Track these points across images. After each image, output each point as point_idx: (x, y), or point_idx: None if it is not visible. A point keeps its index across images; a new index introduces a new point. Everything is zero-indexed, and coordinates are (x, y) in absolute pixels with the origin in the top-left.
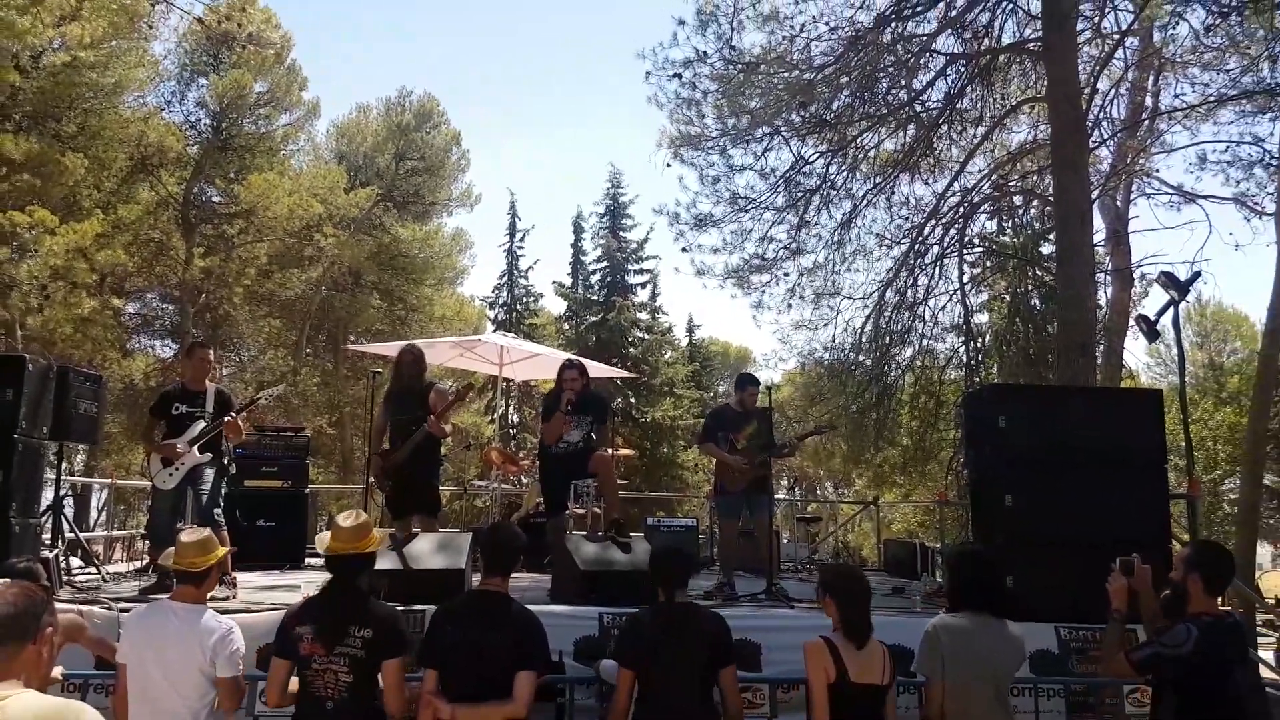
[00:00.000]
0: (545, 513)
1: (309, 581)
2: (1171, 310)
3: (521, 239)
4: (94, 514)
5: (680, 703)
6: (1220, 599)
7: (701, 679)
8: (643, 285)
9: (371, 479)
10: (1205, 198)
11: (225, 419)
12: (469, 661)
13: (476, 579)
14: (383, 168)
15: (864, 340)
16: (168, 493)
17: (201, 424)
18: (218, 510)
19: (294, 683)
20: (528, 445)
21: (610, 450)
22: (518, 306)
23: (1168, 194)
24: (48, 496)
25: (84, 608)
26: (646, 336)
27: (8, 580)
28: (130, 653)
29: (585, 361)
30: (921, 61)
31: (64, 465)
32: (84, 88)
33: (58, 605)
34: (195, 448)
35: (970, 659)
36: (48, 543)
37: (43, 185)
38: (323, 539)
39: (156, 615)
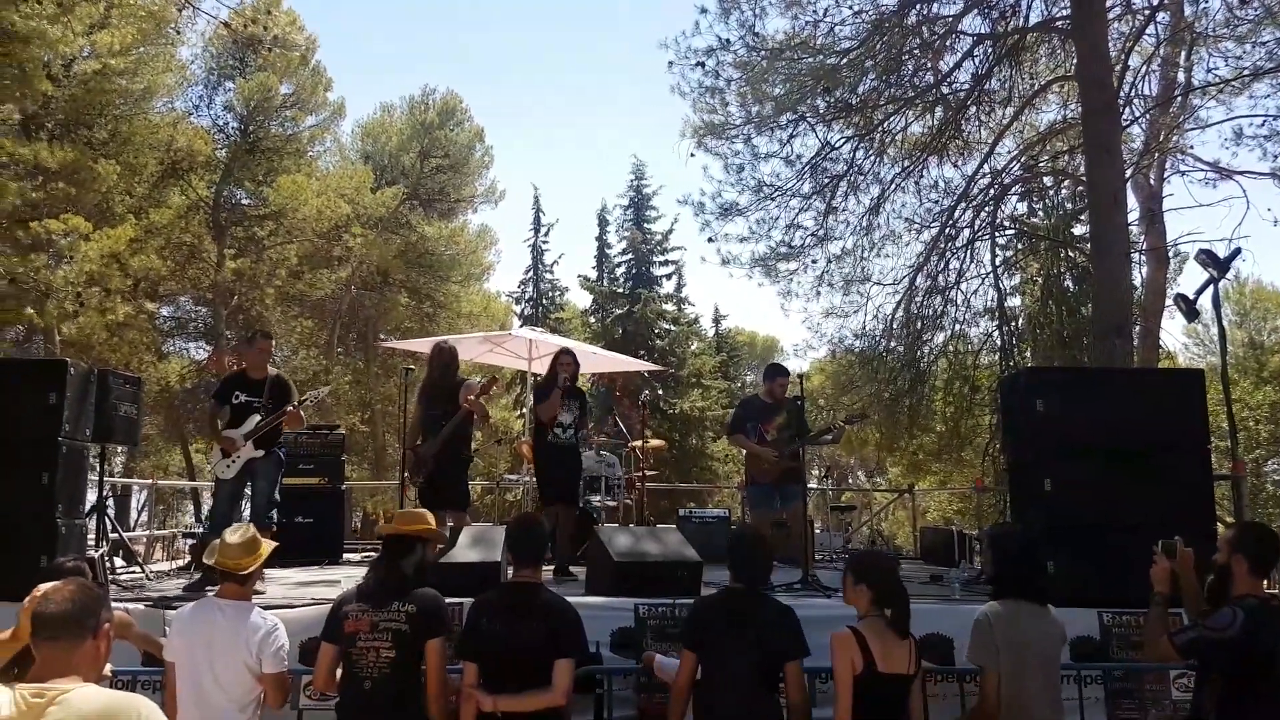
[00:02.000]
0: (541, 500)
1: (348, 577)
2: (1211, 289)
3: (546, 234)
4: (134, 514)
5: (737, 690)
6: (1265, 581)
7: (762, 669)
8: (668, 277)
9: (407, 474)
10: (1242, 173)
11: (282, 413)
12: (506, 653)
13: (511, 572)
14: (408, 166)
15: (895, 326)
16: (227, 482)
17: (257, 418)
18: (273, 512)
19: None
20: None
21: (643, 442)
22: (544, 301)
23: (1203, 171)
24: (91, 498)
25: (130, 605)
26: (673, 328)
27: (66, 579)
28: (179, 650)
29: (612, 354)
30: (948, 43)
31: (105, 467)
32: (114, 94)
33: None
34: (250, 442)
35: (1022, 646)
36: (92, 543)
37: (77, 192)
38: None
39: (204, 612)
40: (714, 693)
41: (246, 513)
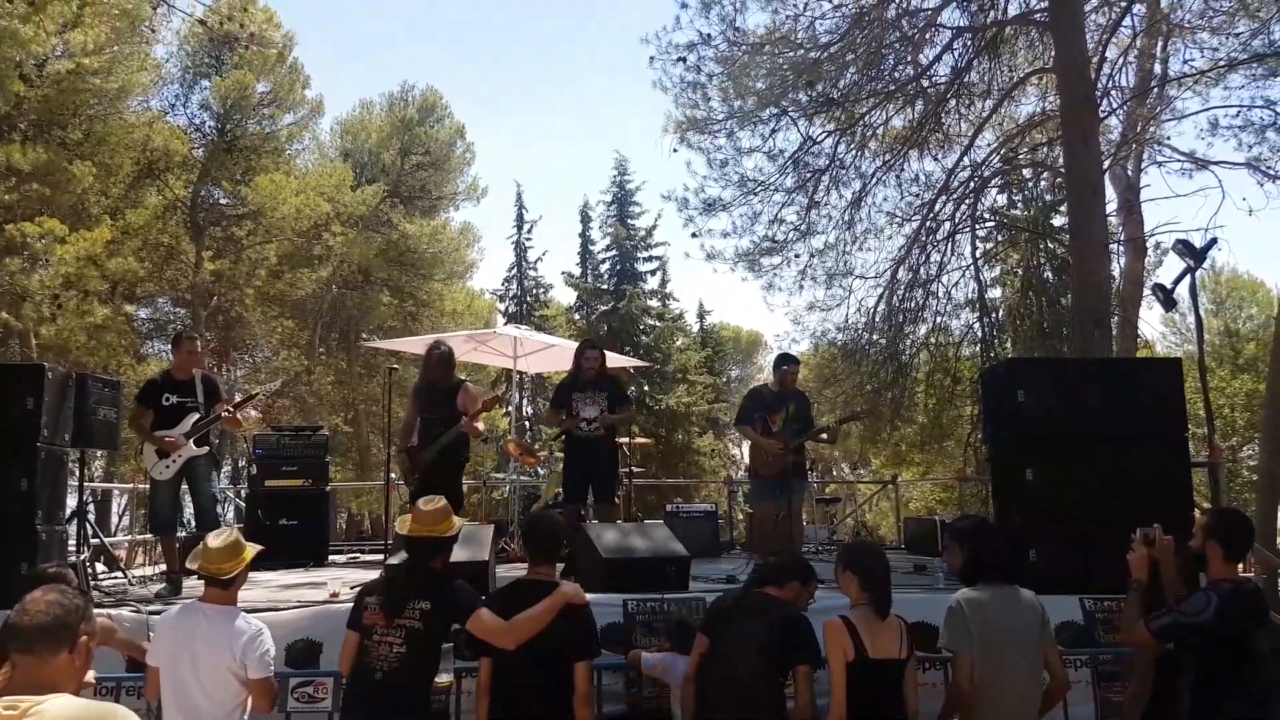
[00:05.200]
0: (562, 501)
1: (333, 579)
2: (1188, 278)
3: (529, 230)
4: (115, 519)
5: (735, 683)
6: (1241, 565)
7: (759, 669)
8: (652, 272)
9: (394, 474)
10: (1218, 164)
11: (223, 413)
12: (523, 650)
13: (500, 570)
14: (388, 164)
15: (877, 319)
16: (165, 483)
17: (195, 416)
18: (218, 508)
19: None
20: (543, 437)
21: (629, 439)
22: (528, 298)
23: (1179, 161)
24: (71, 503)
25: (113, 611)
26: (658, 324)
27: (47, 586)
28: (163, 655)
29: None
30: (927, 36)
31: (85, 471)
32: (88, 94)
33: None
34: (191, 440)
35: (996, 630)
36: (73, 549)
37: (52, 194)
38: (403, 521)
39: (188, 617)
40: (715, 682)
41: (187, 513)
